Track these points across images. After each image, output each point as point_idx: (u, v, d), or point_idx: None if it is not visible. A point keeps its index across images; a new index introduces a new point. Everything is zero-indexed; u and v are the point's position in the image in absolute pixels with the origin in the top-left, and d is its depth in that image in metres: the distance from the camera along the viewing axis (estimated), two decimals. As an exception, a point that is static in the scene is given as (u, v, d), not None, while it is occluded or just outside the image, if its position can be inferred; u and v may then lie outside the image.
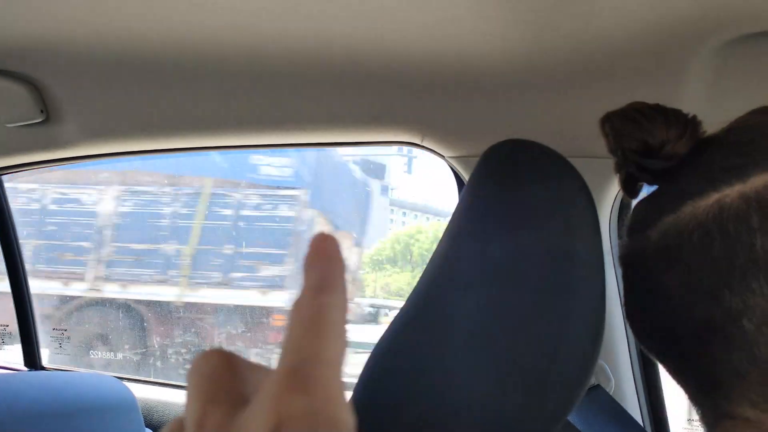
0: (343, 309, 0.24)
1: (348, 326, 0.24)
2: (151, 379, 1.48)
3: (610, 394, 0.70)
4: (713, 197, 0.42)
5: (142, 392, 1.33)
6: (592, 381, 0.68)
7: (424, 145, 0.92)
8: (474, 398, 0.45)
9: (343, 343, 0.23)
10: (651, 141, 0.46)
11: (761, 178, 0.41)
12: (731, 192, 0.42)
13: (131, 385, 1.19)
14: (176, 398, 1.37)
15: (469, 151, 0.90)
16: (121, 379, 1.22)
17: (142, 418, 1.14)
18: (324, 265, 0.24)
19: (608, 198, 0.86)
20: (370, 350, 0.51)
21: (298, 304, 0.23)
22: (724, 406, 0.43)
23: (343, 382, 0.22)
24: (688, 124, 0.47)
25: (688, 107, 0.49)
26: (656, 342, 0.48)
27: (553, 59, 0.74)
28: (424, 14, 0.70)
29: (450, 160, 0.92)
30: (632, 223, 0.49)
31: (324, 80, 0.86)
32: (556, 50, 0.73)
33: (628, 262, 0.49)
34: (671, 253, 0.44)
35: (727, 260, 0.41)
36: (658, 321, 0.46)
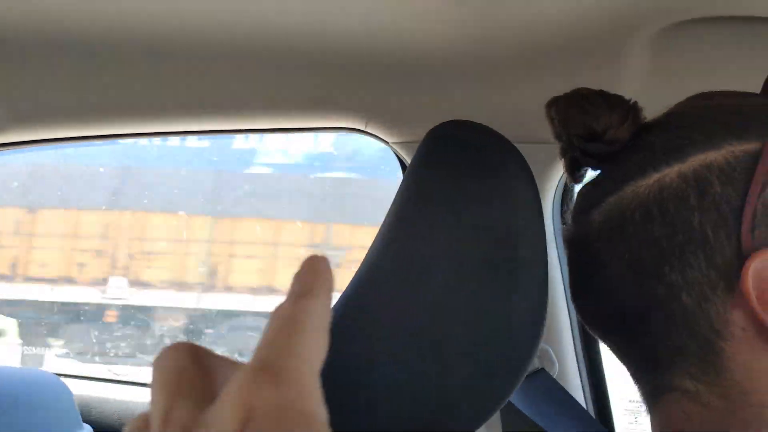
0: (323, 315, 0.23)
1: (327, 332, 0.24)
2: (89, 375, 1.44)
3: (554, 377, 0.71)
4: (654, 177, 0.44)
5: (79, 388, 1.30)
6: (537, 365, 0.69)
7: (367, 131, 0.92)
8: (418, 380, 0.46)
9: (320, 345, 0.23)
10: (595, 126, 0.48)
11: (699, 158, 0.43)
12: (671, 172, 0.44)
13: (68, 381, 1.15)
14: (115, 394, 1.34)
15: (413, 136, 0.89)
16: (58, 375, 1.19)
17: (80, 414, 1.11)
18: (309, 276, 0.24)
19: (551, 184, 0.87)
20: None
21: (278, 307, 0.23)
22: (665, 380, 0.45)
23: (317, 378, 0.22)
24: (630, 109, 0.48)
25: (627, 93, 0.51)
26: (601, 322, 0.50)
27: (494, 45, 0.75)
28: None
29: (394, 146, 0.92)
30: (577, 207, 0.50)
31: (264, 65, 0.85)
32: (497, 36, 0.73)
33: (573, 244, 0.50)
34: (614, 233, 0.46)
35: (668, 238, 0.43)
36: (603, 301, 0.48)
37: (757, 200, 0.41)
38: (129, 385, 1.41)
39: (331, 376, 0.47)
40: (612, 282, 0.46)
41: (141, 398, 1.34)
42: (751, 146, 0.43)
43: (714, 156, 0.43)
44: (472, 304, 0.47)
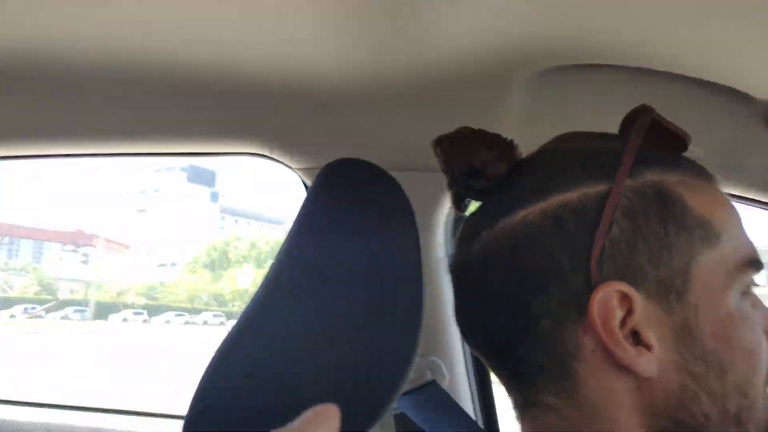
0: None
1: None
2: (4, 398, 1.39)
3: (445, 388, 0.75)
4: (521, 214, 0.49)
5: (6, 413, 1.26)
6: (429, 377, 0.74)
7: (272, 157, 0.95)
8: (301, 396, 0.50)
9: None
10: (475, 163, 0.52)
11: (558, 198, 0.48)
12: (535, 209, 0.48)
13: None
14: (43, 418, 1.29)
15: (315, 162, 0.93)
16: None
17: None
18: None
19: (443, 208, 0.92)
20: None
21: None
22: (530, 395, 0.50)
23: None
24: (506, 147, 0.53)
25: (507, 130, 0.56)
26: (478, 341, 0.54)
27: (390, 81, 0.79)
28: (265, 33, 0.73)
29: (298, 172, 0.96)
30: (460, 236, 0.55)
31: (171, 91, 0.86)
32: (392, 73, 0.78)
33: (455, 271, 0.55)
34: (488, 264, 0.50)
35: (530, 269, 0.48)
36: (478, 323, 0.53)
37: (605, 238, 0.46)
38: (57, 408, 1.36)
39: (237, 369, 0.51)
40: (486, 307, 0.51)
41: (70, 421, 1.29)
42: (602, 188, 0.47)
43: (570, 196, 0.48)
44: (349, 326, 0.52)
